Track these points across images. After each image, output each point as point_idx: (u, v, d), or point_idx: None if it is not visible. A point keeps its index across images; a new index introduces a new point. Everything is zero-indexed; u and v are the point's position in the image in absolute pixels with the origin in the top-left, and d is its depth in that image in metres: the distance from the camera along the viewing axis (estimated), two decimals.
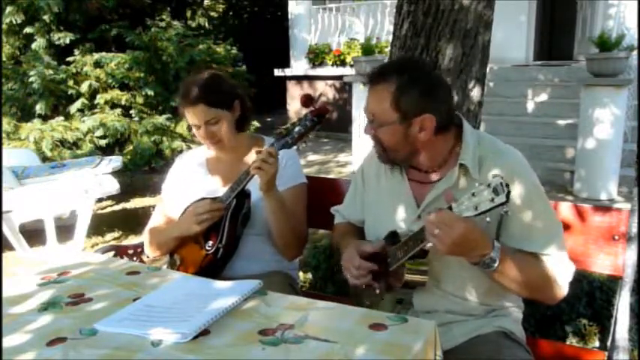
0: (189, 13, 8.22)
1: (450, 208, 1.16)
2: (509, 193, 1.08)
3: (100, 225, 4.31)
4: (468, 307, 1.39)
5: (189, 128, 1.84)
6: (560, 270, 1.29)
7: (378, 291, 1.39)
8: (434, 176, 1.40)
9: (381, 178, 1.52)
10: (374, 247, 1.39)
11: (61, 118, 5.50)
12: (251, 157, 1.77)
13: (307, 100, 1.53)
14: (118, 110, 5.59)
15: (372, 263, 1.37)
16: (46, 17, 5.75)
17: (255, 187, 1.60)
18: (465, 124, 1.41)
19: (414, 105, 1.30)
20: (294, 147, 1.58)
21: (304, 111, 1.54)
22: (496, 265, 1.20)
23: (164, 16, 6.30)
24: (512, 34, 6.97)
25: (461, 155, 1.35)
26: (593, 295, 2.38)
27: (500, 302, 1.42)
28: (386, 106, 1.32)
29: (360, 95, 6.01)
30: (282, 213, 1.64)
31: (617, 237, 1.54)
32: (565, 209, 1.60)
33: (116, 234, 4.26)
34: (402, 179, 1.45)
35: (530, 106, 6.26)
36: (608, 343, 1.57)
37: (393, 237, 1.39)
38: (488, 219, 1.15)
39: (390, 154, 1.39)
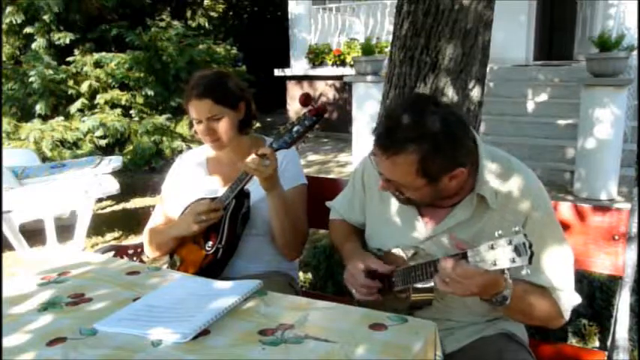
0: (189, 13, 8.23)
1: (465, 255, 1.11)
2: (532, 256, 1.03)
3: (100, 225, 4.31)
4: (472, 318, 1.38)
5: (190, 125, 1.84)
6: (565, 302, 1.28)
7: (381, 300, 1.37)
8: (448, 202, 1.33)
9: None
10: (381, 269, 1.34)
11: (61, 118, 5.51)
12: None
13: (306, 99, 1.53)
14: (118, 110, 5.59)
15: (376, 282, 1.34)
16: (46, 17, 5.76)
17: (255, 186, 1.60)
18: (479, 143, 1.30)
19: (443, 167, 1.20)
20: (294, 147, 1.58)
21: (304, 111, 1.54)
22: (507, 302, 1.18)
23: (164, 16, 6.31)
24: (512, 34, 6.97)
25: (477, 185, 1.28)
26: (593, 295, 2.38)
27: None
28: (411, 175, 1.20)
29: (360, 95, 6.01)
30: (284, 212, 1.64)
31: (617, 237, 1.54)
32: (565, 209, 1.60)
33: (116, 234, 4.26)
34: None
35: (530, 106, 6.26)
36: (608, 343, 1.57)
37: (397, 252, 1.36)
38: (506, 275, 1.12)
39: (414, 202, 1.33)
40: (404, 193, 1.28)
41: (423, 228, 1.37)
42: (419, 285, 1.26)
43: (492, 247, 1.06)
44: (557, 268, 1.28)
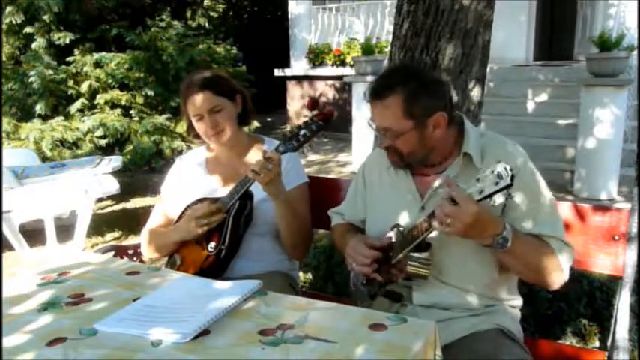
0: (189, 13, 8.22)
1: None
2: (513, 177, 1.11)
3: (100, 225, 4.31)
4: (468, 300, 1.40)
5: (189, 129, 1.84)
6: (562, 253, 1.34)
7: (380, 281, 1.40)
8: (438, 168, 1.44)
9: (383, 176, 1.54)
10: (380, 242, 1.41)
11: (61, 118, 5.50)
12: (250, 156, 1.77)
13: (313, 104, 1.55)
14: (118, 110, 5.59)
15: (374, 251, 1.39)
16: (46, 17, 5.76)
17: (257, 187, 1.60)
18: (465, 119, 1.47)
19: (426, 108, 1.34)
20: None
21: (304, 111, 1.55)
22: (509, 244, 1.24)
23: (164, 16, 6.30)
24: (512, 34, 6.97)
25: (464, 145, 1.40)
26: (593, 295, 2.39)
27: (500, 296, 1.43)
28: (399, 117, 1.35)
29: (360, 95, 6.00)
30: (291, 215, 1.64)
31: (617, 237, 1.54)
32: (565, 209, 1.60)
33: (116, 234, 4.26)
34: (406, 174, 1.48)
35: (530, 106, 6.26)
36: (608, 343, 1.57)
37: (396, 230, 1.40)
38: (492, 203, 1.17)
39: (408, 159, 1.42)
40: (397, 148, 1.39)
41: (417, 197, 1.45)
42: (415, 254, 1.31)
43: (478, 180, 1.16)
44: (551, 219, 1.35)
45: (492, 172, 1.13)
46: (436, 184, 1.42)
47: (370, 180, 1.59)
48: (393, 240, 1.39)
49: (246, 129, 1.88)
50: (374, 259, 1.39)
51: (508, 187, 1.12)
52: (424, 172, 1.46)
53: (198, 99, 1.67)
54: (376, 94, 1.38)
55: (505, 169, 1.12)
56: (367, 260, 1.39)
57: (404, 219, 1.44)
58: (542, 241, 1.33)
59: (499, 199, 1.16)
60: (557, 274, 1.34)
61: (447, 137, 1.41)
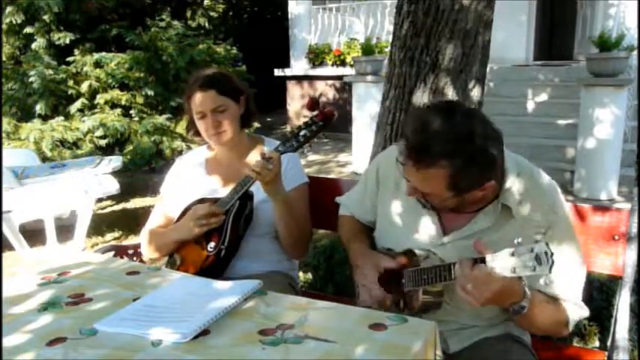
0: (189, 13, 8.22)
1: (484, 260, 1.10)
2: (552, 265, 1.03)
3: (100, 225, 4.31)
4: (477, 321, 1.38)
5: (189, 127, 1.84)
6: (574, 315, 1.29)
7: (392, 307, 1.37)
8: (469, 207, 1.30)
9: (401, 187, 1.39)
10: (393, 264, 1.35)
11: (61, 118, 5.50)
12: (250, 156, 1.77)
13: (314, 104, 1.53)
14: (118, 110, 5.59)
15: (387, 294, 1.35)
16: (46, 17, 5.76)
17: (257, 188, 1.60)
18: (505, 152, 1.27)
19: (474, 182, 1.19)
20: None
21: (304, 111, 1.54)
22: (524, 311, 1.18)
23: (164, 16, 6.30)
24: (512, 34, 6.97)
25: (502, 194, 1.27)
26: (593, 295, 2.38)
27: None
28: (440, 188, 1.20)
29: (360, 95, 6.01)
30: (290, 215, 1.64)
31: (617, 237, 1.54)
32: None
33: (116, 234, 4.26)
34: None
35: (530, 106, 6.25)
36: (608, 343, 1.57)
37: (410, 255, 1.35)
38: (524, 281, 1.13)
39: (439, 207, 1.32)
40: (429, 201, 1.29)
41: (440, 232, 1.35)
42: (429, 287, 1.26)
43: (512, 255, 1.06)
44: (572, 280, 1.29)
45: (531, 251, 1.03)
46: (465, 231, 1.30)
47: (385, 184, 1.48)
48: (406, 263, 1.34)
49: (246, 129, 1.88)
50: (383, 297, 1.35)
51: (544, 274, 1.05)
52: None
53: (203, 97, 1.67)
54: (417, 157, 1.16)
55: (546, 254, 1.02)
56: (380, 292, 1.35)
57: (419, 246, 1.35)
58: (557, 302, 1.27)
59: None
60: (561, 332, 1.31)
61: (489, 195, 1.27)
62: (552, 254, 1.02)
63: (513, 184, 1.28)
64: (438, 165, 1.15)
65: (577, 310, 1.30)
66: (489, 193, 1.25)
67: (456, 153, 1.14)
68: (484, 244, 1.14)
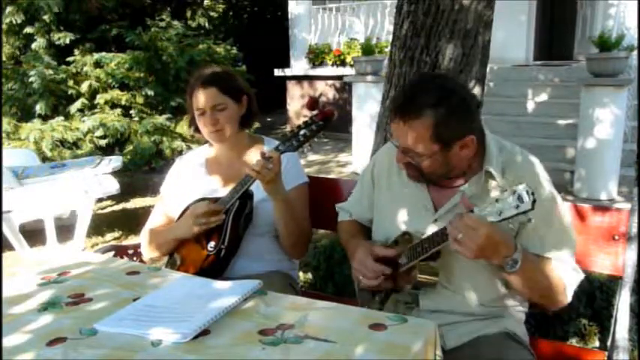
0: (189, 13, 8.23)
1: (472, 212, 1.15)
2: (535, 201, 1.08)
3: (100, 225, 4.31)
4: (475, 308, 1.39)
5: (190, 122, 1.84)
6: (570, 279, 1.31)
7: (387, 291, 1.39)
8: (456, 182, 1.38)
9: (392, 177, 1.49)
10: (387, 252, 1.38)
11: (61, 118, 5.51)
12: (250, 156, 1.77)
13: (313, 103, 1.54)
14: (118, 110, 5.59)
15: (384, 266, 1.36)
16: (46, 17, 5.76)
17: (257, 187, 1.60)
18: (486, 130, 1.39)
19: (456, 132, 1.27)
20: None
21: (304, 111, 1.54)
22: (518, 266, 1.20)
23: (164, 16, 6.31)
24: (512, 34, 6.97)
25: (485, 162, 1.34)
26: (593, 295, 2.38)
27: (507, 303, 1.42)
28: (425, 141, 1.27)
29: (360, 95, 6.00)
30: (290, 215, 1.64)
31: (617, 237, 1.54)
32: (565, 209, 1.60)
33: (116, 234, 4.26)
34: (421, 184, 1.42)
35: (530, 106, 6.26)
36: (608, 343, 1.57)
37: (403, 237, 1.38)
38: (511, 225, 1.15)
39: (428, 176, 1.36)
40: (417, 164, 1.32)
41: (431, 208, 1.40)
42: (424, 264, 1.29)
43: (497, 201, 1.12)
44: (563, 243, 1.32)
45: (514, 192, 1.09)
46: (454, 200, 1.36)
47: (379, 180, 1.55)
48: (402, 248, 1.37)
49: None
50: (380, 273, 1.37)
51: (528, 211, 1.09)
52: (441, 183, 1.40)
53: (204, 94, 1.67)
54: (402, 114, 1.28)
55: (527, 192, 1.08)
56: (375, 275, 1.37)
57: (414, 227, 1.40)
58: (551, 265, 1.30)
59: (517, 218, 1.13)
60: (561, 299, 1.32)
61: (470, 155, 1.34)
62: (533, 192, 1.08)
63: (495, 154, 1.35)
64: (424, 115, 1.25)
65: (572, 274, 1.32)
66: (471, 155, 1.32)
67: (439, 103, 1.25)
68: (469, 201, 1.20)
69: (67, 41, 5.88)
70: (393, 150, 1.42)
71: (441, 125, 1.25)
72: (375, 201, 1.55)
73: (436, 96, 1.26)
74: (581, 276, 1.34)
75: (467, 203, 1.19)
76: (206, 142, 1.81)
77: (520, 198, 1.09)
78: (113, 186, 3.88)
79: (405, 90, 1.32)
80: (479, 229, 1.13)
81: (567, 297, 1.32)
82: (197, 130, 1.77)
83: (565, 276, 1.30)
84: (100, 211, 4.83)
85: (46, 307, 1.23)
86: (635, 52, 4.87)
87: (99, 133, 5.36)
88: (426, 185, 1.42)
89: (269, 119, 10.15)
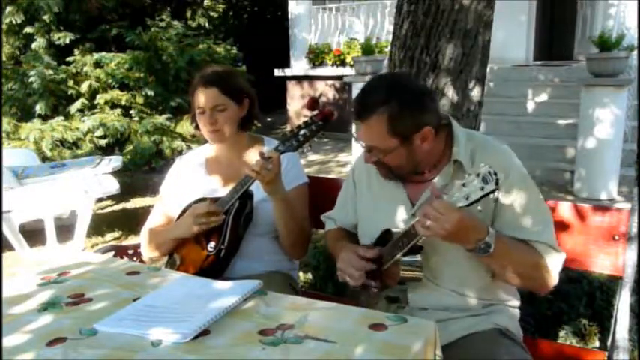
0: (189, 13, 8.23)
1: (440, 197, 1.18)
2: (497, 180, 1.11)
3: (100, 225, 4.31)
4: (465, 302, 1.39)
5: (192, 119, 1.84)
6: (551, 257, 1.33)
7: (375, 290, 1.40)
8: (428, 175, 1.43)
9: (372, 179, 1.52)
10: (370, 253, 1.40)
11: (61, 118, 5.51)
12: (250, 156, 1.77)
13: (313, 104, 1.54)
14: (118, 110, 5.59)
15: (367, 263, 1.38)
16: (46, 17, 5.76)
17: (257, 187, 1.60)
18: (453, 122, 1.44)
19: (411, 125, 1.32)
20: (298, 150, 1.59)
21: (304, 111, 1.54)
22: (491, 249, 1.23)
23: (164, 16, 6.31)
24: (512, 34, 6.97)
25: (454, 152, 1.38)
26: (593, 295, 2.39)
27: (497, 297, 1.43)
28: (384, 136, 1.33)
29: None
30: (290, 215, 1.64)
31: (617, 237, 1.54)
32: (565, 209, 1.60)
33: (116, 234, 4.26)
34: (396, 181, 1.46)
35: (530, 106, 6.26)
36: (608, 343, 1.57)
37: (386, 236, 1.40)
38: (479, 208, 1.17)
39: (397, 172, 1.41)
40: (384, 163, 1.37)
41: (409, 204, 1.44)
42: (407, 258, 1.31)
43: (464, 186, 1.15)
44: (539, 224, 1.33)
45: (477, 175, 1.12)
46: (427, 193, 1.39)
47: (360, 183, 1.58)
48: (384, 246, 1.38)
49: None
50: (366, 270, 1.39)
51: (494, 191, 1.12)
52: (415, 178, 1.44)
53: (205, 94, 1.68)
54: (358, 115, 1.35)
55: (489, 173, 1.11)
56: (358, 273, 1.39)
57: (395, 225, 1.43)
58: (529, 246, 1.32)
59: (489, 204, 1.15)
60: (546, 279, 1.33)
61: (436, 145, 1.39)
62: (496, 173, 1.11)
63: (463, 143, 1.39)
64: (377, 111, 1.31)
65: (552, 253, 1.33)
66: (434, 146, 1.37)
67: (389, 99, 1.30)
68: (438, 190, 1.23)
69: (67, 41, 5.88)
70: None
71: (394, 119, 1.30)
72: (358, 204, 1.58)
73: (385, 93, 1.32)
74: (562, 254, 1.35)
75: (435, 192, 1.23)
76: (206, 141, 1.82)
77: (484, 179, 1.11)
78: (113, 186, 3.88)
79: (359, 92, 1.38)
80: (448, 215, 1.16)
81: (553, 278, 1.34)
82: (197, 127, 1.77)
83: (545, 256, 1.32)
84: (100, 211, 4.83)
85: (46, 307, 1.23)
86: (635, 52, 4.87)
87: (99, 133, 5.36)
88: (402, 182, 1.45)
89: (269, 119, 10.16)
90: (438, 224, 1.17)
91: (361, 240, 1.55)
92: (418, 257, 1.32)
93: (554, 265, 1.33)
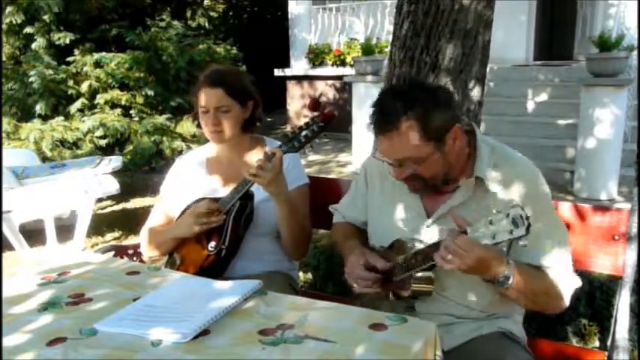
0: (189, 13, 8.22)
1: (464, 232, 1.14)
2: (529, 226, 1.06)
3: (100, 225, 4.31)
4: (471, 312, 1.39)
5: (194, 117, 1.83)
6: (564, 283, 1.30)
7: (385, 298, 1.39)
8: (448, 186, 1.37)
9: (385, 181, 1.49)
10: (380, 263, 1.37)
11: (61, 118, 5.51)
12: (251, 157, 1.77)
13: (315, 104, 1.53)
14: (118, 110, 5.59)
15: (374, 274, 1.36)
16: (46, 17, 5.76)
17: (258, 188, 1.59)
18: (476, 130, 1.39)
19: (441, 123, 1.26)
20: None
21: (304, 111, 1.54)
22: (510, 282, 1.20)
23: (164, 16, 6.31)
24: (512, 33, 6.97)
25: (476, 167, 1.33)
26: (593, 295, 2.39)
27: (504, 309, 1.41)
28: (417, 142, 1.26)
29: (360, 95, 6.00)
30: (292, 216, 1.64)
31: (617, 237, 1.54)
32: (565, 209, 1.60)
33: (116, 234, 4.26)
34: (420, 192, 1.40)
35: (530, 106, 6.25)
36: (608, 343, 1.57)
37: (399, 246, 1.37)
38: (502, 247, 1.15)
39: (431, 183, 1.34)
40: (418, 175, 1.30)
41: (424, 214, 1.40)
42: (419, 274, 1.28)
43: (491, 223, 1.10)
44: (555, 249, 1.30)
45: (507, 216, 1.07)
46: (445, 207, 1.35)
47: (372, 184, 1.55)
48: (395, 256, 1.36)
49: None
50: (374, 281, 1.37)
51: (522, 237, 1.07)
52: (441, 189, 1.38)
53: (209, 94, 1.67)
54: (383, 129, 1.27)
55: (521, 217, 1.06)
56: (367, 283, 1.37)
57: (407, 234, 1.40)
58: (545, 273, 1.28)
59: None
60: (558, 304, 1.31)
61: (463, 149, 1.34)
62: (528, 217, 1.06)
63: (487, 158, 1.34)
64: (405, 119, 1.24)
65: (568, 279, 1.30)
66: (463, 143, 1.32)
67: (411, 103, 1.24)
68: (462, 218, 1.18)
69: (67, 41, 5.88)
70: None
71: (425, 121, 1.24)
72: (369, 203, 1.55)
73: (404, 99, 1.26)
74: (578, 281, 1.32)
75: (459, 221, 1.18)
76: (207, 141, 1.81)
77: (515, 222, 1.07)
78: (113, 186, 3.88)
79: (375, 107, 1.31)
80: (470, 252, 1.13)
81: (565, 301, 1.31)
82: (200, 125, 1.77)
83: (562, 282, 1.29)
84: (100, 211, 4.83)
85: (46, 307, 1.23)
86: (635, 52, 4.87)
87: (99, 133, 5.36)
88: None
89: (269, 119, 10.14)
90: (460, 260, 1.14)
91: (371, 240, 1.53)
92: (431, 274, 1.29)
93: (566, 290, 1.30)
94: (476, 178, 1.33)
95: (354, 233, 1.60)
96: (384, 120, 1.27)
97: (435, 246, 1.22)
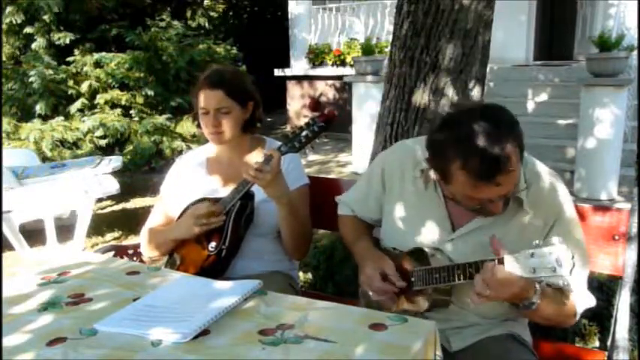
0: (189, 13, 8.23)
1: (501, 260, 1.12)
2: (573, 267, 1.05)
3: (100, 225, 4.31)
4: (483, 319, 1.38)
5: (194, 117, 1.83)
6: (581, 304, 1.31)
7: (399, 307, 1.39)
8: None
9: (406, 185, 1.43)
10: (399, 283, 1.35)
11: (61, 118, 5.52)
12: (251, 157, 1.77)
13: (316, 105, 1.53)
14: (118, 110, 5.60)
15: (392, 286, 1.36)
16: (46, 17, 5.77)
17: (259, 188, 1.59)
18: None
19: (523, 147, 1.23)
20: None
21: (304, 111, 1.54)
22: (534, 307, 1.20)
23: (164, 16, 6.31)
24: (512, 33, 6.96)
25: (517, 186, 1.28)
26: (593, 295, 2.38)
27: (514, 315, 1.41)
28: (519, 170, 1.21)
29: (360, 95, 6.00)
30: (293, 217, 1.63)
31: (617, 237, 1.54)
32: None
33: (116, 234, 4.26)
34: (436, 195, 1.37)
35: (530, 106, 6.25)
36: (608, 343, 1.57)
37: (418, 254, 1.35)
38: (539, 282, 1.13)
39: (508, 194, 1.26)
40: (508, 195, 1.24)
41: (449, 227, 1.36)
42: (441, 285, 1.27)
43: (532, 255, 1.08)
44: (578, 271, 1.27)
45: (550, 254, 1.05)
46: (476, 224, 1.31)
47: (390, 186, 1.48)
48: (414, 265, 1.35)
49: None
50: (390, 292, 1.36)
51: (563, 277, 1.05)
52: None
53: (209, 95, 1.66)
54: (501, 170, 1.14)
55: (566, 258, 1.04)
56: (386, 295, 1.37)
57: (429, 244, 1.36)
58: (564, 293, 1.26)
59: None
60: (570, 321, 1.32)
61: None
62: (573, 256, 1.05)
63: (520, 174, 1.28)
64: (514, 158, 1.16)
65: (585, 300, 1.31)
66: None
67: (514, 139, 1.18)
68: (502, 244, 1.16)
69: (67, 41, 5.89)
70: (406, 155, 1.41)
71: (521, 147, 1.21)
72: (386, 205, 1.50)
73: (512, 135, 1.20)
74: (593, 300, 1.32)
75: (497, 247, 1.15)
76: (207, 140, 1.81)
77: (559, 262, 1.04)
78: (113, 186, 3.88)
79: (483, 153, 1.15)
80: (508, 288, 1.13)
81: (576, 319, 1.32)
82: (199, 126, 1.77)
83: (578, 303, 1.30)
84: (100, 211, 4.83)
85: (46, 307, 1.23)
86: (635, 52, 4.87)
87: (99, 133, 5.36)
88: (444, 199, 1.36)
89: (269, 119, 10.14)
90: (496, 294, 1.14)
91: (384, 242, 1.50)
92: (449, 285, 1.29)
93: (581, 309, 1.31)
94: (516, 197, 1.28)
95: (364, 230, 1.57)
96: (495, 167, 1.15)
97: (463, 268, 1.21)
